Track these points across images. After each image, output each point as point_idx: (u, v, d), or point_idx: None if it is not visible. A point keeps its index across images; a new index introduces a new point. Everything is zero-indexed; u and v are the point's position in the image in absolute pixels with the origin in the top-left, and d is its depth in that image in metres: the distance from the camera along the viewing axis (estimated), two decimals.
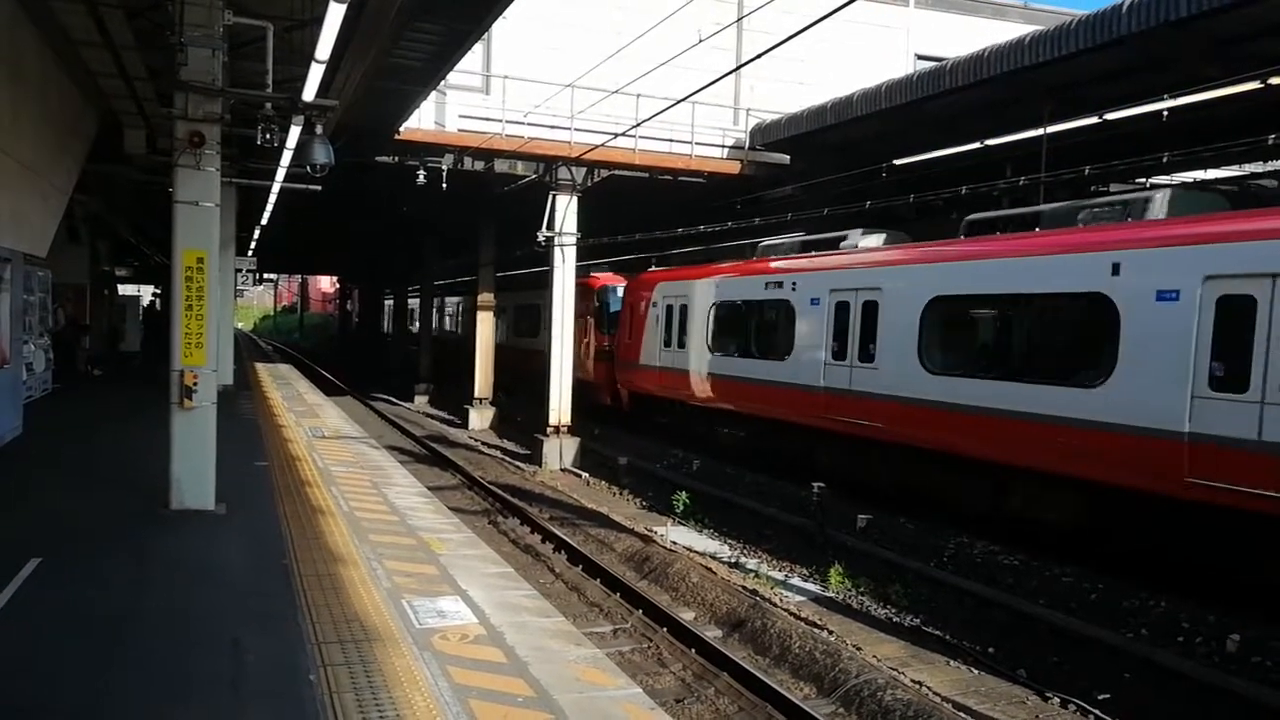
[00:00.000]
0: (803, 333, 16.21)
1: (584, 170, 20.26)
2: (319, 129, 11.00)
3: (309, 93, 10.18)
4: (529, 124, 18.84)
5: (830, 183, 18.02)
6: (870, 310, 14.56)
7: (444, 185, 19.66)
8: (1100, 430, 10.59)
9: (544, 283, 29.15)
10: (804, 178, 19.92)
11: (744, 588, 10.96)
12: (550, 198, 20.48)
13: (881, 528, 13.50)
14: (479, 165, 19.94)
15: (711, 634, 9.77)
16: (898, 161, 16.58)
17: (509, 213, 23.97)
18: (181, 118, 9.24)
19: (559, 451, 20.67)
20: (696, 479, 17.80)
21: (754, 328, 18.27)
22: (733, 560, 13.00)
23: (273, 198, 19.96)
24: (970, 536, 12.48)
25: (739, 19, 19.64)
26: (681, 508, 15.69)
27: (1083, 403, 10.86)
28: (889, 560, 12.27)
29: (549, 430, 20.90)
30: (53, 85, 13.73)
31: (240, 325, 72.72)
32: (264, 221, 24.67)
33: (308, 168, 11.30)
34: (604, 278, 25.91)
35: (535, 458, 20.78)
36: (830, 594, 11.50)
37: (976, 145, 15.16)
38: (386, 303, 60.43)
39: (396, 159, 19.40)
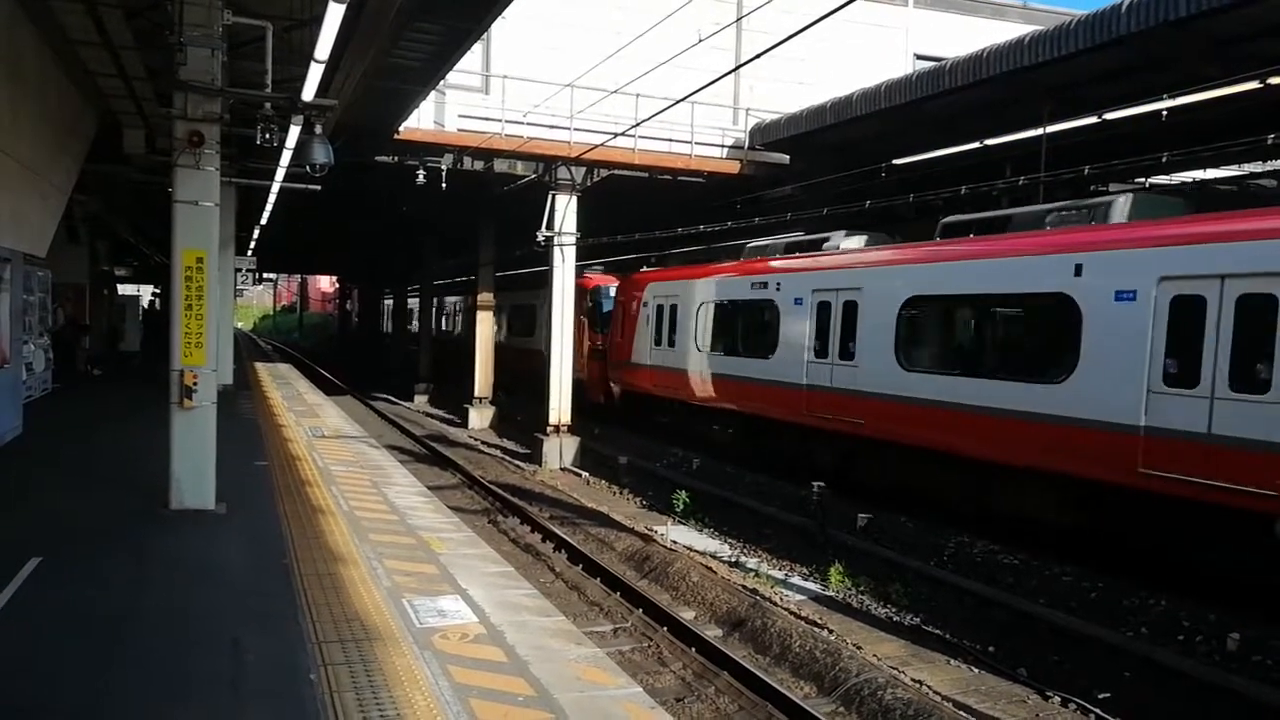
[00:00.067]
0: (787, 332, 16.61)
1: (583, 170, 20.26)
2: (318, 129, 11.00)
3: (308, 92, 10.19)
4: (528, 124, 18.84)
5: (830, 182, 18.02)
6: (850, 310, 14.97)
7: (443, 185, 19.65)
8: (1065, 425, 11.01)
9: (538, 282, 29.64)
10: (803, 177, 19.92)
11: (744, 587, 10.96)
12: (550, 197, 20.48)
13: (882, 527, 13.50)
14: (478, 165, 19.93)
15: (712, 633, 9.77)
16: (897, 161, 16.59)
17: (508, 212, 23.97)
18: (181, 117, 9.24)
19: (559, 451, 20.67)
20: (696, 478, 17.81)
21: (741, 327, 18.58)
22: (733, 559, 13.00)
23: (272, 197, 19.96)
24: (970, 536, 12.48)
25: (738, 19, 19.65)
26: (681, 507, 15.70)
27: (1049, 398, 11.27)
28: (889, 559, 12.27)
29: (549, 429, 20.90)
30: (51, 85, 13.73)
31: (240, 325, 72.72)
32: (263, 221, 24.67)
33: (307, 167, 11.31)
34: (597, 278, 26.02)
35: (535, 457, 20.78)
36: (830, 593, 11.50)
37: (976, 145, 15.17)
38: (386, 302, 60.45)
39: (396, 159, 19.39)
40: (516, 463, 20.56)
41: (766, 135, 20.30)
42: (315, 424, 18.34)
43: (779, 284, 17.04)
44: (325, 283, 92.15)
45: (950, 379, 12.93)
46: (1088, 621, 9.73)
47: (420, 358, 36.64)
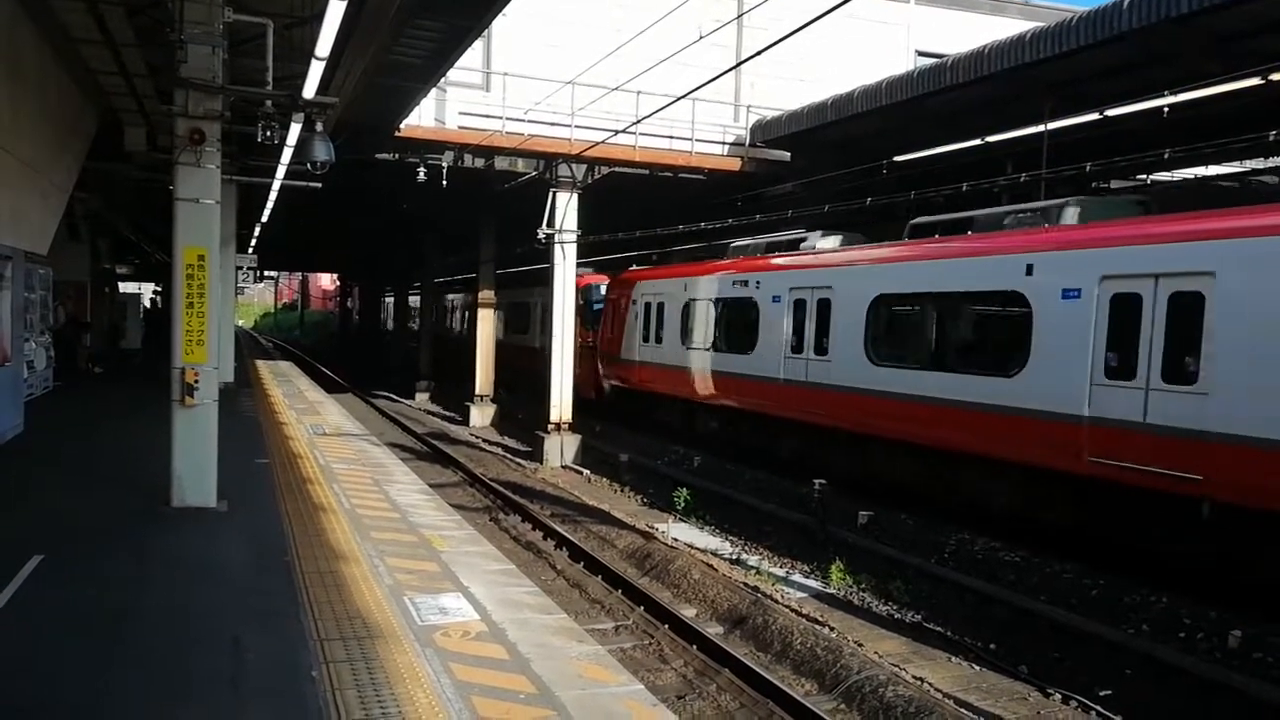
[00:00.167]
0: (765, 328, 17.19)
1: (584, 167, 20.24)
2: (319, 126, 10.99)
3: (309, 90, 10.17)
4: (529, 121, 18.84)
5: (831, 179, 18.02)
6: (824, 307, 15.64)
7: (444, 182, 19.66)
8: (1019, 416, 11.62)
9: (533, 280, 29.90)
10: (804, 174, 19.91)
11: (745, 584, 10.96)
12: (550, 195, 20.47)
13: (882, 524, 13.50)
14: (479, 162, 19.92)
15: (713, 631, 9.77)
16: (899, 158, 16.58)
17: (509, 210, 23.97)
18: (182, 115, 9.23)
19: (560, 448, 20.67)
20: (697, 475, 17.81)
21: (724, 324, 19.05)
22: (734, 557, 13.00)
23: (273, 195, 19.95)
24: (971, 533, 12.49)
25: (739, 16, 19.64)
26: (682, 504, 15.70)
27: (1004, 391, 11.90)
28: (890, 557, 12.27)
29: (550, 427, 20.90)
30: (52, 82, 13.72)
31: (241, 323, 72.74)
32: (264, 219, 24.67)
33: (308, 165, 11.30)
34: (588, 276, 26.22)
35: (536, 455, 20.78)
36: (831, 590, 11.50)
37: (978, 142, 15.16)
38: (387, 300, 60.48)
39: (397, 156, 19.39)
40: (518, 460, 20.57)
41: (767, 132, 20.28)
42: (316, 421, 18.35)
43: (758, 283, 17.65)
44: (326, 280, 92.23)
45: (915, 373, 13.54)
46: (1089, 619, 9.72)
47: (421, 355, 36.66)
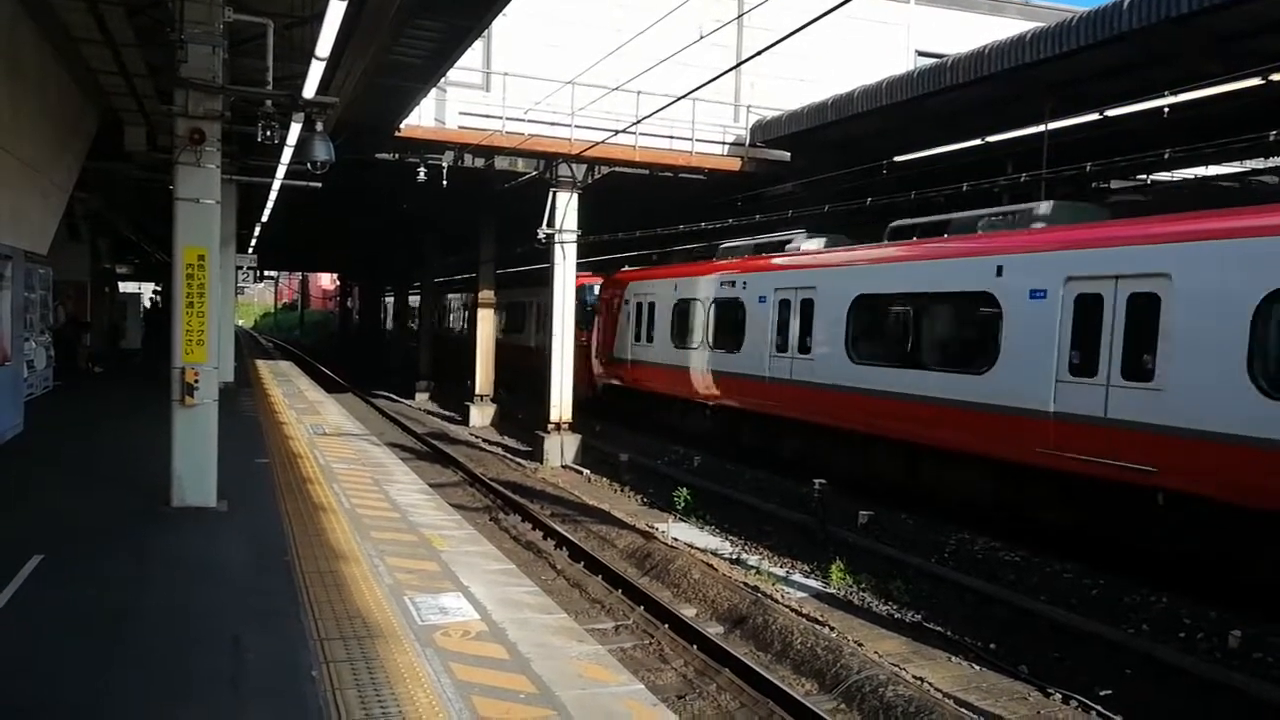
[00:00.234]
0: (752, 328, 17.66)
1: (584, 167, 20.24)
2: (319, 126, 10.99)
3: (309, 90, 10.17)
4: (529, 121, 18.85)
5: (831, 179, 18.02)
6: (808, 307, 16.13)
7: (444, 182, 19.66)
8: (990, 412, 12.11)
9: (529, 280, 30.08)
10: (805, 175, 19.91)
11: (745, 584, 10.96)
12: (550, 195, 20.47)
13: (883, 524, 13.50)
14: (479, 162, 19.93)
15: (713, 630, 9.77)
16: (899, 158, 16.58)
17: (509, 210, 23.97)
18: (182, 115, 9.23)
19: (560, 448, 20.67)
20: (697, 475, 17.81)
21: (712, 323, 19.43)
22: (734, 557, 12.99)
23: (273, 195, 19.95)
24: (971, 533, 12.50)
25: (739, 16, 19.63)
26: (682, 504, 15.70)
27: (976, 387, 12.37)
28: (890, 556, 12.27)
29: (550, 427, 20.90)
30: (52, 82, 13.72)
31: (241, 322, 72.75)
32: (264, 219, 24.66)
33: (308, 165, 11.30)
34: (582, 277, 26.27)
35: (536, 454, 20.78)
36: (831, 590, 11.50)
37: (978, 142, 15.16)
38: (387, 300, 60.49)
39: (397, 156, 19.38)
40: (518, 460, 20.57)
41: (767, 132, 20.28)
42: (316, 421, 18.35)
43: (745, 283, 18.12)
44: (326, 280, 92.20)
45: (894, 371, 13.97)
46: (1089, 619, 9.72)
47: (421, 355, 36.66)
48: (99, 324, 28.35)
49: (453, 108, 19.12)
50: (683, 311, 20.50)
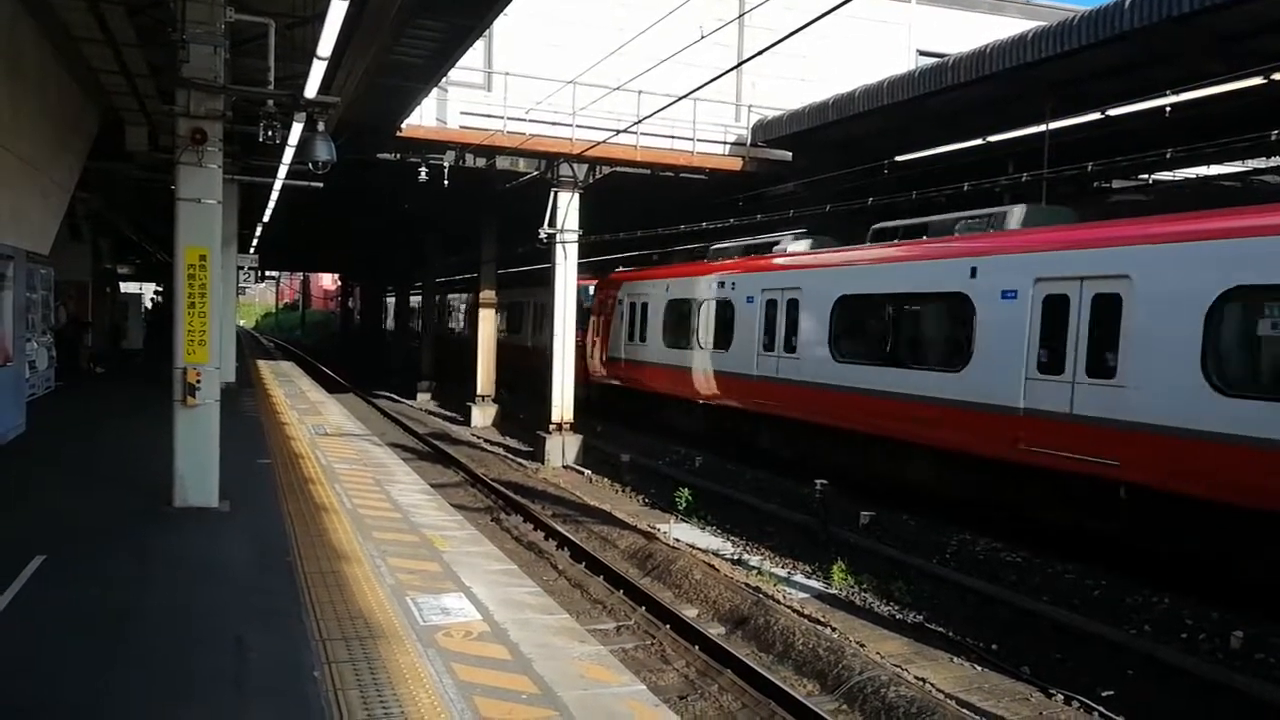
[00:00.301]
0: (741, 327, 18.13)
1: (585, 167, 20.24)
2: (321, 126, 10.98)
3: (311, 90, 10.17)
4: (531, 121, 18.85)
5: (832, 179, 18.01)
6: (793, 307, 16.55)
7: (446, 182, 19.66)
8: (964, 408, 12.52)
9: (527, 281, 30.19)
10: (806, 174, 19.90)
11: (747, 585, 10.95)
12: (552, 195, 20.47)
13: (884, 525, 13.49)
14: (480, 162, 19.93)
15: (714, 631, 9.77)
16: (900, 158, 16.57)
17: (511, 210, 23.98)
18: (183, 115, 9.22)
19: (561, 449, 20.68)
20: (698, 476, 17.81)
21: (703, 323, 19.82)
22: (735, 557, 12.99)
23: (275, 195, 19.96)
24: (973, 534, 12.50)
25: (740, 15, 19.61)
26: (684, 505, 15.70)
27: (952, 385, 12.79)
28: (892, 557, 12.26)
29: (551, 427, 20.90)
30: (52, 81, 13.72)
31: (242, 323, 72.76)
32: (266, 219, 24.65)
33: (310, 165, 11.29)
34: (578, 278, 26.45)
35: (538, 455, 20.78)
36: (833, 591, 11.50)
37: (979, 142, 15.16)
38: (388, 300, 60.48)
39: (398, 156, 19.39)
40: (519, 460, 20.57)
41: (769, 132, 20.27)
42: (318, 422, 18.35)
43: (734, 284, 18.58)
44: (328, 280, 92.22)
45: (875, 369, 14.39)
46: (1091, 619, 9.72)
47: (423, 355, 36.67)
48: (100, 324, 28.34)
49: (454, 107, 19.12)
50: (674, 312, 20.97)
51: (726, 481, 17.12)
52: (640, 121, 16.41)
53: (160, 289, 45.03)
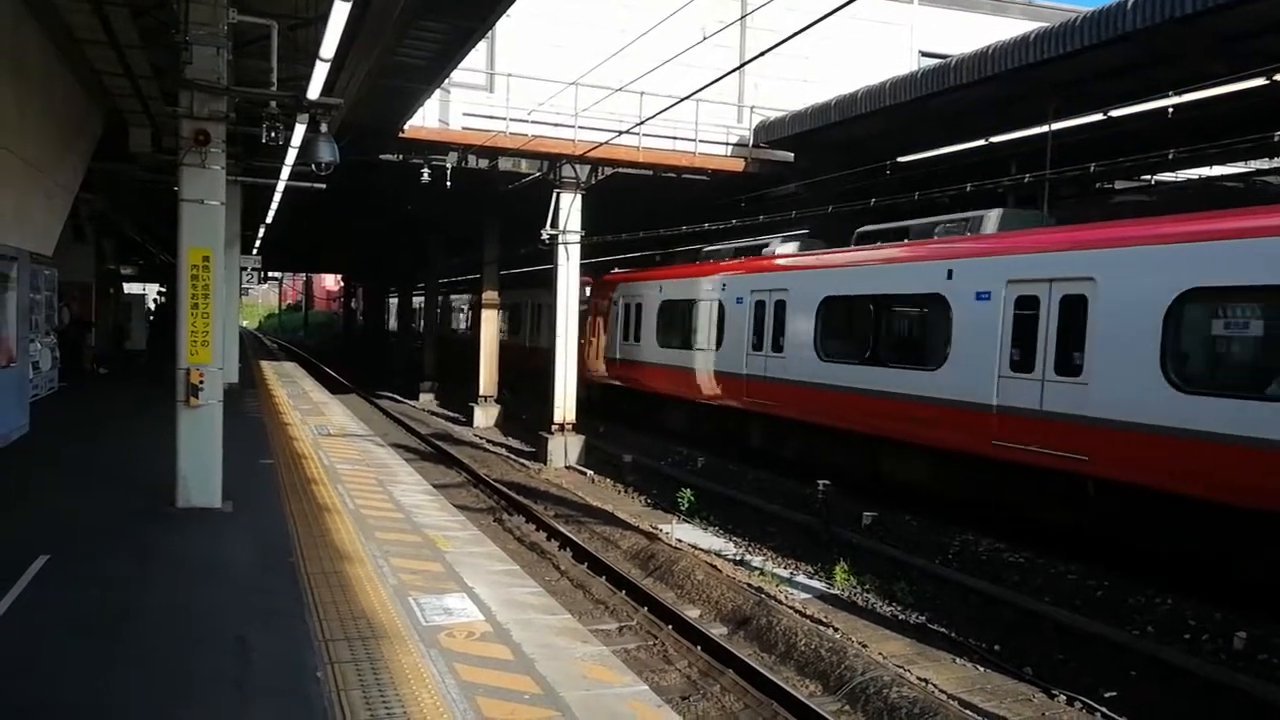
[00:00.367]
0: (730, 327, 18.57)
1: (588, 168, 20.25)
2: (324, 127, 10.98)
3: (314, 91, 10.18)
4: (533, 122, 18.87)
5: (834, 180, 18.01)
6: (781, 308, 17.01)
7: (448, 183, 19.66)
8: (942, 406, 12.96)
9: (524, 283, 30.24)
10: (808, 175, 19.90)
11: (749, 585, 10.96)
12: (554, 196, 20.48)
13: (886, 525, 13.49)
14: (483, 163, 19.94)
15: (717, 631, 9.77)
16: (902, 159, 16.56)
17: (513, 211, 23.99)
18: (187, 116, 9.24)
19: (564, 449, 20.69)
20: (700, 476, 17.82)
21: (693, 323, 20.33)
22: (738, 558, 13.00)
23: (278, 196, 19.98)
24: (975, 534, 12.49)
25: (742, 16, 19.58)
26: (686, 505, 15.71)
27: (930, 383, 13.25)
28: (894, 558, 12.26)
29: (554, 428, 20.92)
30: (57, 83, 13.75)
31: (245, 324, 72.78)
32: (269, 220, 24.70)
33: (312, 166, 11.29)
34: None
35: (540, 455, 20.79)
36: (835, 591, 11.50)
37: (981, 142, 15.14)
38: (391, 301, 60.51)
39: (401, 157, 19.41)
40: (521, 461, 20.58)
41: (771, 133, 20.27)
42: (321, 422, 18.36)
43: (725, 285, 19.04)
44: (330, 281, 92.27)
45: (858, 368, 14.87)
46: (1093, 620, 9.71)
47: (425, 356, 36.69)
48: (104, 325, 28.38)
49: (457, 109, 19.13)
50: (667, 312, 21.47)
51: (729, 482, 17.13)
52: (642, 123, 16.41)
53: (163, 290, 45.06)
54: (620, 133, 16.59)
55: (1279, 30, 11.37)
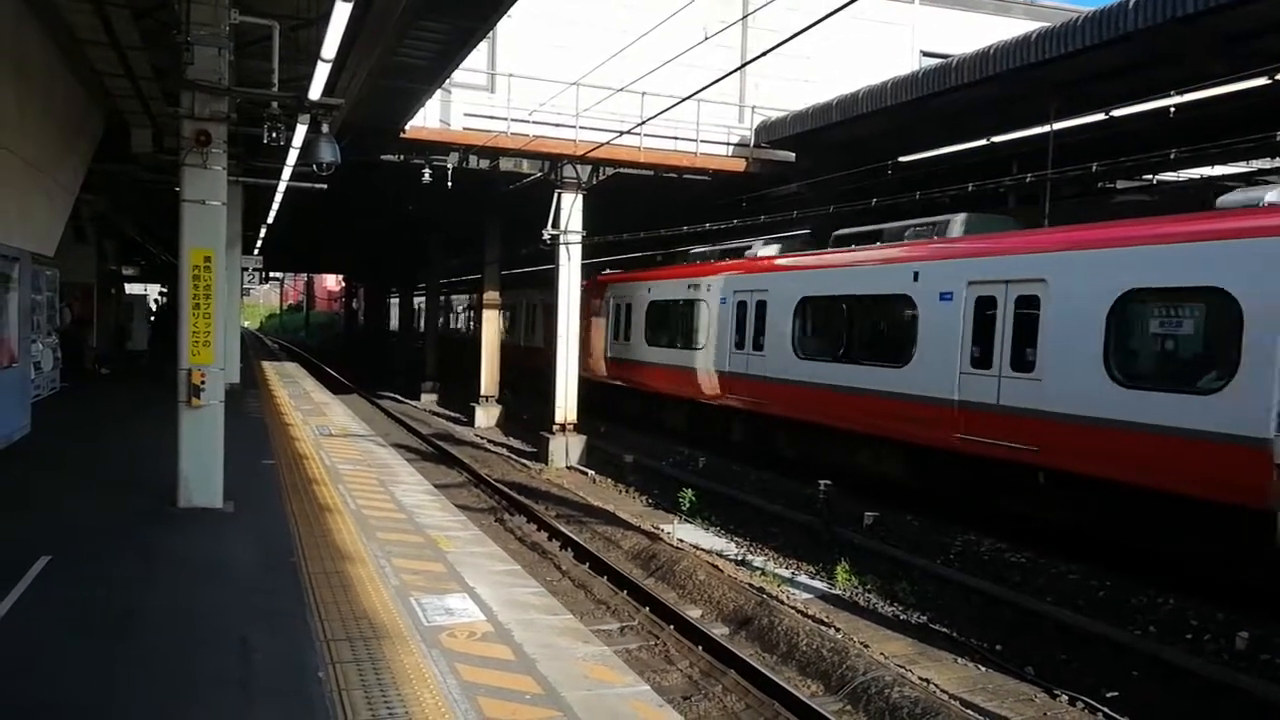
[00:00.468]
0: (715, 327, 19.16)
1: (589, 168, 20.26)
2: (325, 128, 10.99)
3: (315, 91, 10.18)
4: (534, 122, 18.88)
5: (836, 180, 18.00)
6: (761, 308, 17.60)
7: (449, 184, 19.67)
8: (908, 401, 13.54)
9: (519, 283, 30.21)
10: (809, 175, 19.89)
11: (750, 585, 10.95)
12: (555, 196, 20.48)
13: (888, 525, 13.49)
14: (484, 163, 19.95)
15: (718, 631, 9.77)
16: (903, 159, 16.56)
17: (514, 211, 24.00)
18: (188, 117, 9.25)
19: (565, 449, 20.70)
20: (702, 476, 17.82)
21: (679, 323, 20.98)
22: (739, 558, 13.00)
23: (279, 196, 19.99)
24: (977, 534, 12.49)
25: (744, 16, 19.59)
26: (687, 505, 15.71)
27: (898, 380, 13.86)
28: (895, 558, 12.27)
29: (555, 428, 20.92)
30: (58, 83, 13.74)
31: (247, 324, 72.81)
32: (270, 220, 24.71)
33: (314, 166, 11.30)
34: None
35: (541, 455, 20.80)
36: (837, 591, 11.50)
37: (982, 142, 15.13)
38: (392, 301, 60.54)
39: (402, 157, 19.42)
40: (523, 461, 20.58)
41: (772, 133, 20.27)
42: (322, 423, 18.37)
43: (709, 286, 19.59)
44: (332, 282, 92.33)
45: (833, 365, 15.53)
46: (1095, 620, 9.71)
47: (426, 356, 36.70)
48: (105, 325, 28.39)
49: (458, 109, 19.14)
50: (655, 312, 22.09)
51: (730, 482, 17.13)
52: (644, 123, 16.40)
53: (165, 290, 45.07)
54: (621, 133, 16.59)
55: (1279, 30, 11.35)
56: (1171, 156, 12.03)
